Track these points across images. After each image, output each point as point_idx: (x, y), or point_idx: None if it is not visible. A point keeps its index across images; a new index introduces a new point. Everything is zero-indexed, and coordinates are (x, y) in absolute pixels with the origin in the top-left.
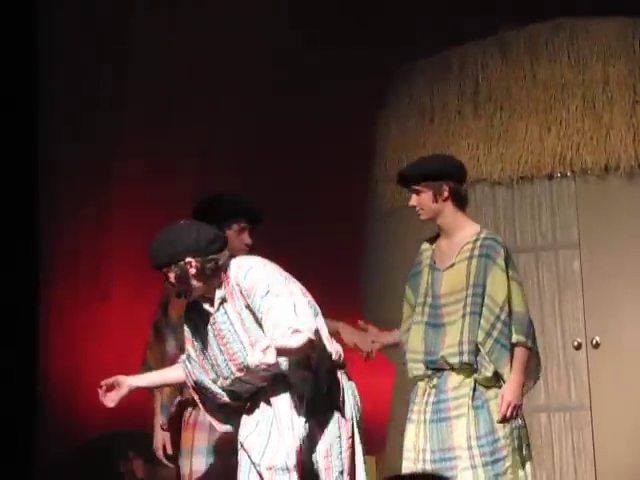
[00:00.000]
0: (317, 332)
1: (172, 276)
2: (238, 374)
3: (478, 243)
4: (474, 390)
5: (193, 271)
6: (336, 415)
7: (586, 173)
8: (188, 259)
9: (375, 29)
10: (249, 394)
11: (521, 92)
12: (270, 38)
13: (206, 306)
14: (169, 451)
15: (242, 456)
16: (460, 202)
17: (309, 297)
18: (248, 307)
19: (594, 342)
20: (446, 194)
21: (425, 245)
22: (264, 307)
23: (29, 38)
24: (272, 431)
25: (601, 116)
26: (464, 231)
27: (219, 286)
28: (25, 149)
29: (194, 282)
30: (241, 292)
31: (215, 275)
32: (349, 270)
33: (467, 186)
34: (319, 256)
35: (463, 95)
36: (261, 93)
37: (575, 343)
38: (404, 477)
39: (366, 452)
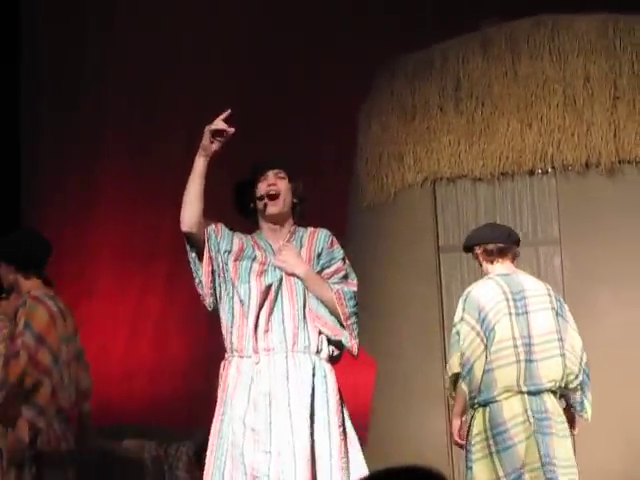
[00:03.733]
0: None
1: (285, 183)
2: None
3: None
4: None
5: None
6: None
7: (567, 169)
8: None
9: (358, 25)
10: None
11: (502, 88)
12: (255, 38)
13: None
14: None
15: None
16: None
17: None
18: None
19: None
20: None
21: None
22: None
23: (13, 36)
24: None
25: (582, 112)
26: None
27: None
28: (8, 148)
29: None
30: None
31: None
32: None
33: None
34: None
35: (444, 91)
36: (245, 91)
37: None
38: (386, 472)
39: None
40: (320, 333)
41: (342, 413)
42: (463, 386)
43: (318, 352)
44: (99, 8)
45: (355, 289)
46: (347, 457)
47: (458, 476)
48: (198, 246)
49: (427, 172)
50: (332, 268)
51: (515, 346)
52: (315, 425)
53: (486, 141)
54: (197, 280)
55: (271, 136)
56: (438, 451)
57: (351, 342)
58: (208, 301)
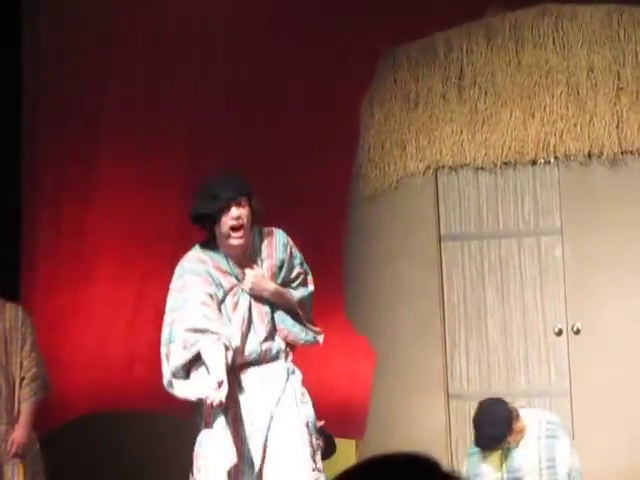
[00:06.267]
0: None
1: (247, 209)
2: None
3: None
4: None
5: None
6: None
7: (569, 159)
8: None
9: (361, 11)
10: None
11: (506, 78)
12: (255, 23)
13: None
14: None
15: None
16: None
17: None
18: None
19: (575, 328)
20: None
21: None
22: None
23: (14, 21)
24: None
25: (585, 102)
26: None
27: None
28: (7, 127)
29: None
30: None
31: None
32: (334, 260)
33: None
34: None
35: (448, 80)
36: (247, 75)
37: (556, 329)
38: (381, 459)
39: (346, 435)
40: (286, 343)
41: (304, 405)
42: None
43: (286, 358)
44: None
45: (312, 288)
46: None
47: (457, 463)
48: None
49: (429, 161)
50: (293, 275)
51: None
52: (284, 420)
53: (489, 130)
54: None
55: (271, 126)
56: (437, 440)
57: (313, 338)
58: None
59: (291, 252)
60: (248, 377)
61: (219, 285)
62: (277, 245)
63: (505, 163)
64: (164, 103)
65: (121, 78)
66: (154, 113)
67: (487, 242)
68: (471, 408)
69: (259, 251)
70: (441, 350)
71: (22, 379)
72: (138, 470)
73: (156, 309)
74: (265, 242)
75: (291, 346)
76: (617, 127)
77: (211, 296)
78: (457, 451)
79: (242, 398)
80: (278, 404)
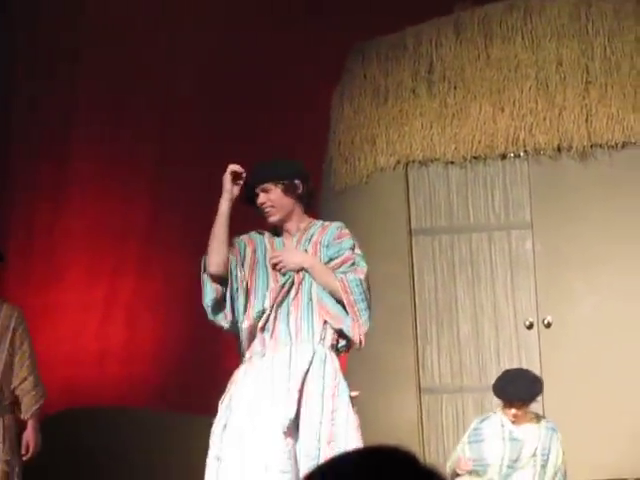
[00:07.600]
0: None
1: (273, 192)
2: None
3: None
4: None
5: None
6: None
7: (539, 153)
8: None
9: (330, 6)
10: None
11: (475, 72)
12: (224, 17)
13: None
14: None
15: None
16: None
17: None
18: None
19: (545, 322)
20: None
21: None
22: None
23: None
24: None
25: (554, 96)
26: None
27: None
28: None
29: (286, 204)
30: None
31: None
32: None
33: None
34: None
35: (417, 75)
36: (216, 73)
37: (527, 322)
38: (359, 451)
39: None
40: (325, 322)
41: (338, 398)
42: None
43: (321, 340)
44: None
45: (362, 276)
46: (336, 442)
47: (429, 457)
48: (220, 280)
49: (399, 155)
50: (340, 258)
51: None
52: (306, 409)
53: (458, 124)
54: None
55: (241, 121)
56: (409, 434)
57: (354, 330)
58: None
59: (341, 235)
60: (276, 357)
61: (262, 250)
62: (328, 229)
63: (475, 157)
64: (133, 105)
65: (91, 81)
66: (123, 114)
67: (458, 236)
68: (443, 402)
69: (312, 235)
70: (413, 344)
71: (23, 379)
72: (116, 464)
73: (126, 307)
74: (318, 230)
75: (335, 332)
76: (586, 120)
77: (244, 251)
78: (429, 444)
79: (268, 380)
80: (303, 384)
